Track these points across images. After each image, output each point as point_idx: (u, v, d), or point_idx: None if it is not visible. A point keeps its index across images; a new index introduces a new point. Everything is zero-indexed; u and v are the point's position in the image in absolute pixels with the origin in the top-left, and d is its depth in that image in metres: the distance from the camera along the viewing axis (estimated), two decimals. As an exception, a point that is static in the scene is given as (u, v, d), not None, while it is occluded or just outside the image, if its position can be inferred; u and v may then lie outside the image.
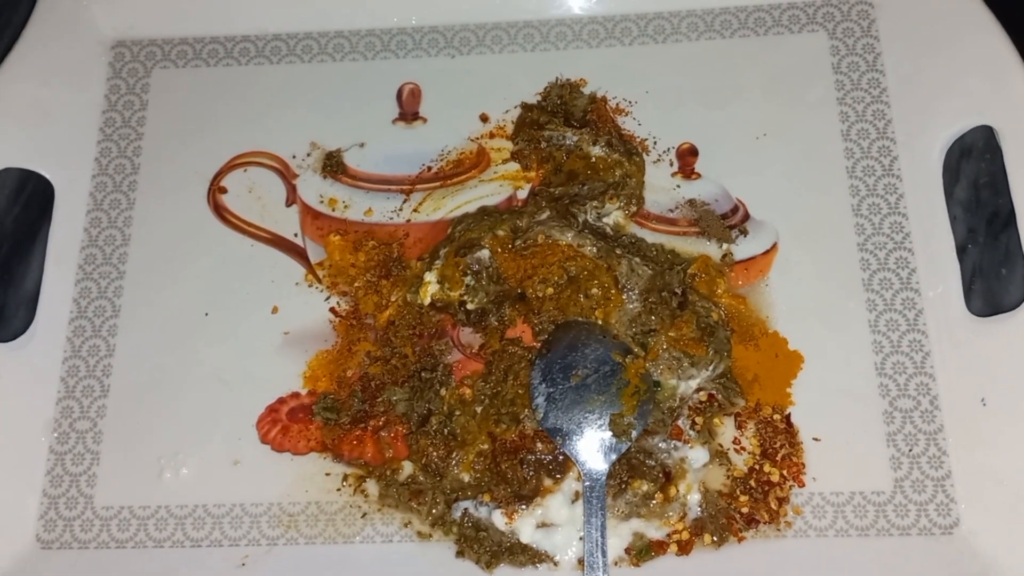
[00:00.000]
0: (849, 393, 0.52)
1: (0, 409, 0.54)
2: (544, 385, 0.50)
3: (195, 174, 0.60)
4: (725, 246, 0.55)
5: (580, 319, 0.52)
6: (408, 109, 0.60)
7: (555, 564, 0.49)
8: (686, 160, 0.58)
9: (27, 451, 0.54)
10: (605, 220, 0.56)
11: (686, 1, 0.61)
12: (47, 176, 0.59)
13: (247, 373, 0.55)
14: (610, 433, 0.49)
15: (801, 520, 0.50)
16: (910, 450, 0.51)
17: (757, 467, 0.51)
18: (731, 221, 0.56)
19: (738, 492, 0.50)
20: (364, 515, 0.52)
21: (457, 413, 0.52)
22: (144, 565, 0.51)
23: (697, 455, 0.51)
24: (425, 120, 0.60)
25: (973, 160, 0.56)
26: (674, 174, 0.58)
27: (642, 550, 0.49)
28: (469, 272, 0.53)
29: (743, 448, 0.51)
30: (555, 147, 0.58)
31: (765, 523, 0.50)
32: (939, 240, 0.54)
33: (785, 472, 0.51)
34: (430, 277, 0.54)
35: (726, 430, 0.52)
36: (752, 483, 0.50)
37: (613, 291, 0.52)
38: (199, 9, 0.63)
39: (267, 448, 0.53)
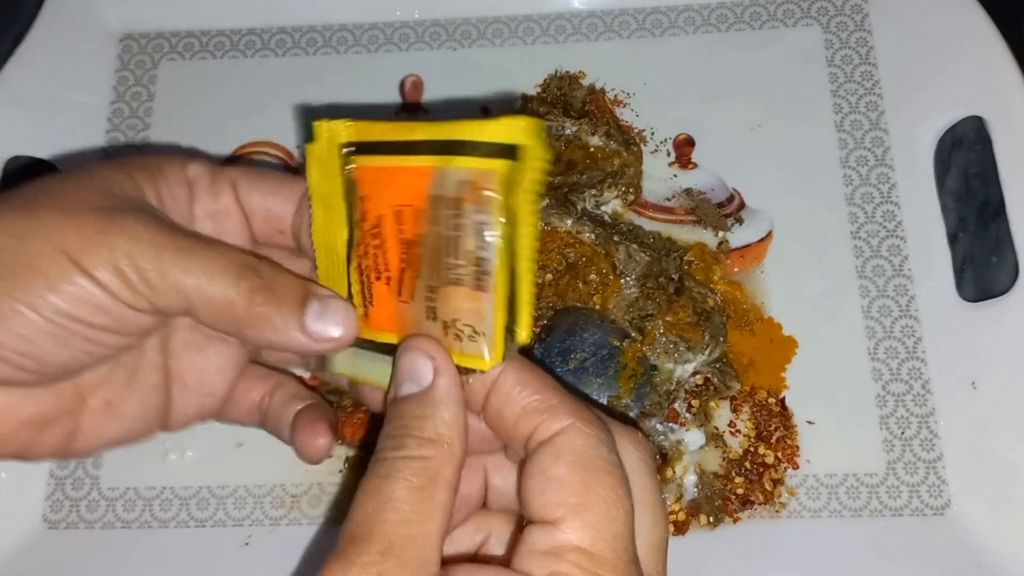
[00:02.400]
0: (842, 377, 0.53)
1: (8, 392, 0.55)
2: (543, 369, 0.51)
3: (201, 163, 0.61)
4: (721, 234, 0.56)
5: (579, 305, 0.53)
6: (411, 100, 0.61)
7: (553, 543, 0.50)
8: (683, 150, 0.59)
9: (34, 433, 0.55)
10: (603, 208, 0.57)
11: (683, -4, 0.62)
12: (57, 166, 0.60)
13: (251, 358, 0.56)
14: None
15: (795, 501, 0.51)
16: (902, 433, 0.51)
17: (752, 449, 0.52)
18: (727, 210, 0.57)
19: (733, 474, 0.51)
20: (366, 496, 0.52)
21: (457, 396, 0.53)
22: (149, 544, 0.52)
23: (693, 438, 0.52)
24: (427, 111, 0.61)
25: (964, 150, 0.57)
26: (671, 164, 0.59)
27: (639, 530, 0.50)
28: (470, 259, 0.54)
29: (738, 431, 0.52)
30: (554, 137, 0.59)
31: (760, 504, 0.50)
32: (931, 228, 0.55)
33: (780, 454, 0.51)
34: (431, 264, 0.55)
35: (722, 413, 0.53)
36: (747, 465, 0.51)
37: (611, 277, 0.53)
38: (206, 3, 0.64)
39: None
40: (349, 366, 0.34)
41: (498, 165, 0.28)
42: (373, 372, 0.33)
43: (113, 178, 0.31)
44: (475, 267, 0.30)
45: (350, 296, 0.33)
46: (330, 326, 0.31)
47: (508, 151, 0.28)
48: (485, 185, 0.29)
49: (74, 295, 0.29)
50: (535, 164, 0.29)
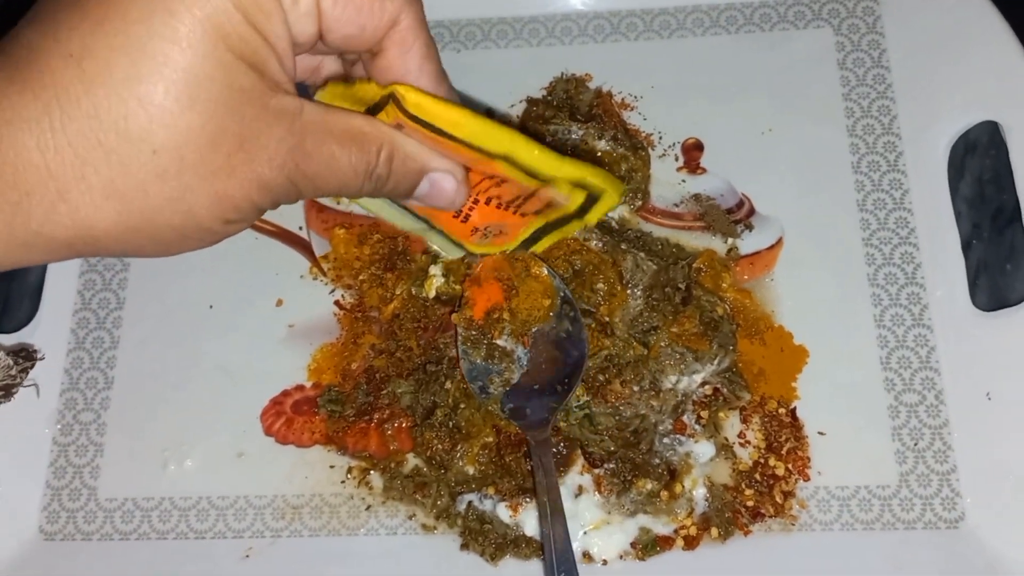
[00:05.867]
0: (854, 387, 0.52)
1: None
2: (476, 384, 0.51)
3: (200, 167, 0.60)
4: (730, 240, 0.55)
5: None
6: (414, 103, 0.60)
7: (560, 557, 0.49)
8: (691, 155, 0.58)
9: (31, 442, 0.54)
10: (610, 214, 0.56)
11: (692, -3, 0.61)
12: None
13: (251, 365, 0.55)
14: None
15: (806, 514, 0.50)
16: (915, 444, 0.50)
17: (762, 461, 0.51)
18: (736, 216, 0.56)
19: (743, 486, 0.50)
20: (368, 507, 0.52)
21: (462, 406, 0.52)
22: (148, 557, 0.51)
23: (703, 450, 0.51)
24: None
25: (978, 156, 0.56)
26: (679, 169, 0.58)
27: (648, 544, 0.49)
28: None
29: (748, 442, 0.51)
30: (561, 141, 0.57)
31: (770, 517, 0.50)
32: (944, 235, 0.54)
33: (790, 466, 0.50)
34: (435, 271, 0.54)
35: (732, 424, 0.52)
36: (757, 477, 0.50)
37: (618, 287, 0.52)
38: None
39: (271, 440, 0.53)
40: (376, 208, 0.44)
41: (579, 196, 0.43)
42: (401, 221, 0.45)
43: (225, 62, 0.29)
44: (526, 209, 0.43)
45: None
46: (435, 201, 0.39)
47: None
48: (560, 200, 0.43)
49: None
50: (607, 204, 0.43)
